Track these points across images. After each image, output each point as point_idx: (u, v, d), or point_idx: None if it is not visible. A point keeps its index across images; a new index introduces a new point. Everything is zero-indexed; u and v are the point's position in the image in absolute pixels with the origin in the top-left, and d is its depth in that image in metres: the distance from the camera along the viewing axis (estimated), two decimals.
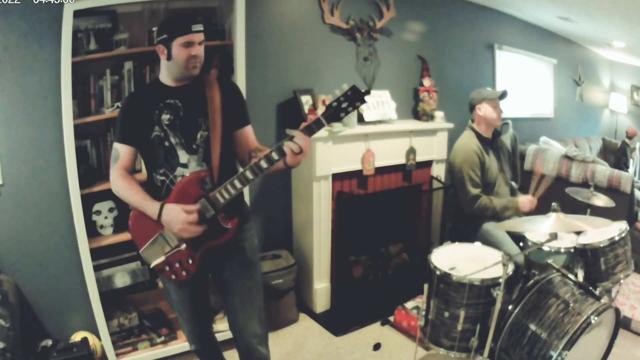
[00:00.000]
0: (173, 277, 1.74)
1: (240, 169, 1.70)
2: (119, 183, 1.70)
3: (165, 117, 1.69)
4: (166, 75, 1.73)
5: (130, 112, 1.72)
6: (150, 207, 1.64)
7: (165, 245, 1.70)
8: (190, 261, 1.71)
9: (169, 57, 1.65)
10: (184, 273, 1.73)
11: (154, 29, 2.38)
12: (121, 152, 1.73)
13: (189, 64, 1.65)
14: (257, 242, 1.90)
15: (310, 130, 1.54)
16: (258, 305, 1.87)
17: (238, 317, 1.84)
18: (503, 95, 2.83)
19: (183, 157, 1.70)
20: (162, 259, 1.71)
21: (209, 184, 1.67)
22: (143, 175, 2.05)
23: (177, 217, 1.59)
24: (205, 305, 1.98)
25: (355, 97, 1.50)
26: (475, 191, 2.73)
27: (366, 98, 1.52)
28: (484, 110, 2.81)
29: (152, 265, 1.74)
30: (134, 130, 1.71)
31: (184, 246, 1.69)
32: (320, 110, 2.93)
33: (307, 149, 1.55)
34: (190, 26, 1.62)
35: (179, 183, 1.67)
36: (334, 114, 1.52)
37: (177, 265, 1.72)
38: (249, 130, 1.83)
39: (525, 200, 2.75)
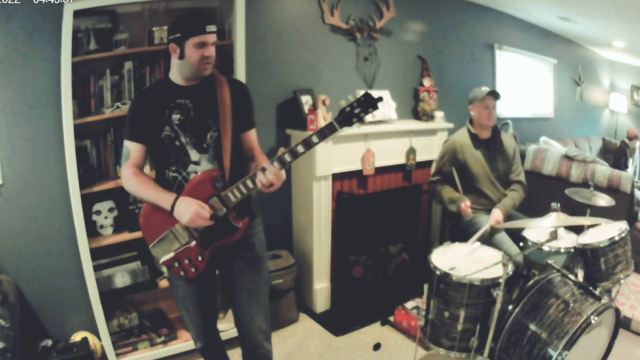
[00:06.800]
0: (182, 273, 1.76)
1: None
2: (132, 180, 1.70)
3: (176, 117, 1.70)
4: (177, 74, 1.73)
5: (141, 110, 1.73)
6: (164, 198, 1.66)
7: (175, 241, 1.72)
8: (200, 258, 1.73)
9: (182, 57, 1.65)
10: (192, 270, 1.75)
11: (154, 29, 2.41)
12: (132, 149, 1.73)
13: (201, 65, 1.67)
14: (264, 239, 1.92)
15: (323, 135, 1.58)
16: (264, 301, 1.89)
17: (245, 312, 1.85)
18: (495, 96, 2.79)
19: (194, 155, 1.72)
20: (171, 254, 1.72)
21: (220, 183, 1.70)
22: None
23: (191, 207, 1.60)
24: (212, 302, 1.99)
25: (367, 104, 1.55)
26: (434, 177, 2.99)
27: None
28: (475, 110, 2.85)
29: (161, 261, 1.74)
30: (144, 128, 1.72)
31: (193, 243, 1.71)
32: (321, 110, 2.97)
33: (278, 182, 1.60)
34: (204, 27, 1.63)
35: (192, 180, 1.69)
36: (346, 118, 1.56)
37: (186, 261, 1.74)
38: (253, 134, 1.86)
39: (465, 207, 2.77)
